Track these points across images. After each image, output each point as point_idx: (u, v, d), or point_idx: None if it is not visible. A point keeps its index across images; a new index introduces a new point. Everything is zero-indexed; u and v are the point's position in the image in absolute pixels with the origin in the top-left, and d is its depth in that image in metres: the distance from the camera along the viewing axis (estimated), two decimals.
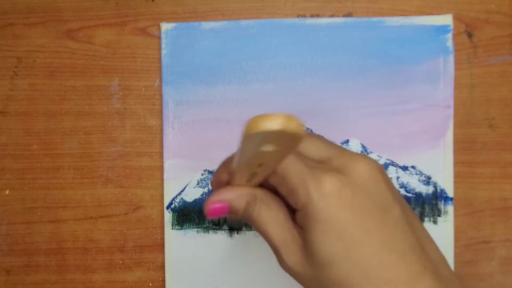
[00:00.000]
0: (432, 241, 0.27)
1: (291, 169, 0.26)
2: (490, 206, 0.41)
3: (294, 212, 0.27)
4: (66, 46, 0.41)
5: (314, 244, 0.25)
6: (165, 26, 0.40)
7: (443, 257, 0.27)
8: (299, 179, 0.25)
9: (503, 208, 0.41)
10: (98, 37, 0.41)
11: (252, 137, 0.20)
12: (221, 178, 0.29)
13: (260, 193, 0.28)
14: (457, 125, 0.41)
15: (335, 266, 0.24)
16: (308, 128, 0.40)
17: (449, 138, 0.40)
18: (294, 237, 0.27)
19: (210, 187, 0.40)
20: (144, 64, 0.41)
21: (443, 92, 0.40)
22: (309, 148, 0.28)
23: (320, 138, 0.29)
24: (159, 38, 0.41)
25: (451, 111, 0.40)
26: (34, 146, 0.41)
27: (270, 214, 0.28)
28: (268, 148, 0.22)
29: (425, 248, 0.26)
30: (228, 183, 0.29)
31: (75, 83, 0.41)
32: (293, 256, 0.27)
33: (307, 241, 0.26)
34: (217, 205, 0.28)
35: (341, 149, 0.28)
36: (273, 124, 0.19)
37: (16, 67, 0.41)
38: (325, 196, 0.25)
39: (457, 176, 0.41)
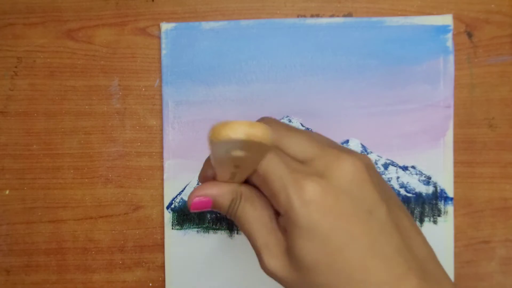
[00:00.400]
0: (420, 237, 0.27)
1: (272, 171, 0.25)
2: (490, 206, 0.41)
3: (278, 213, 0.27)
4: (66, 46, 0.41)
5: (297, 249, 0.24)
6: (165, 26, 0.40)
7: (430, 252, 0.26)
8: (280, 183, 0.25)
9: (503, 208, 0.41)
10: (98, 37, 0.41)
11: (217, 145, 0.19)
12: (207, 173, 0.29)
13: (246, 190, 0.28)
14: (457, 125, 0.41)
15: (319, 271, 0.24)
16: (307, 128, 0.40)
17: (449, 138, 0.40)
18: (277, 240, 0.26)
19: None
20: (144, 64, 0.41)
21: (443, 92, 0.40)
22: (293, 146, 0.27)
23: (305, 135, 0.27)
24: (159, 38, 0.41)
25: (451, 111, 0.40)
26: (34, 146, 0.41)
27: (254, 214, 0.27)
28: (238, 153, 0.21)
29: (412, 246, 0.25)
30: (214, 178, 0.28)
31: (75, 83, 0.41)
32: (274, 259, 0.26)
33: (290, 246, 0.25)
34: (201, 199, 0.28)
35: (325, 148, 0.26)
36: (236, 133, 0.19)
37: (16, 67, 0.41)
38: (307, 203, 0.24)
39: (457, 176, 0.41)
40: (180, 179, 0.40)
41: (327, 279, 0.24)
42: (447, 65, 0.40)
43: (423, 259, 0.25)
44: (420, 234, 0.27)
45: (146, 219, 0.41)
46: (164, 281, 0.41)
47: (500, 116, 0.41)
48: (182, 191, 0.40)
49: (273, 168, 0.25)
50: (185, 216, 0.40)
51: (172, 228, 0.40)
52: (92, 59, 0.41)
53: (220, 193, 0.28)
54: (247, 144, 0.20)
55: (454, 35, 0.41)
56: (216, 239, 0.40)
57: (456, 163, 0.41)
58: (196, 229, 0.40)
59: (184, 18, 0.41)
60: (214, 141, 0.19)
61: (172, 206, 0.40)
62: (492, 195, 0.41)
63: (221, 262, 0.40)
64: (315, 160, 0.26)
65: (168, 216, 0.40)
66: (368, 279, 0.24)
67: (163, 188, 0.41)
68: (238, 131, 0.19)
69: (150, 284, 0.41)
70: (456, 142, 0.41)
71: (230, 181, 0.28)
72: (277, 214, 0.27)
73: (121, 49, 0.41)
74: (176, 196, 0.40)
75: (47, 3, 0.41)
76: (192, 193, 0.28)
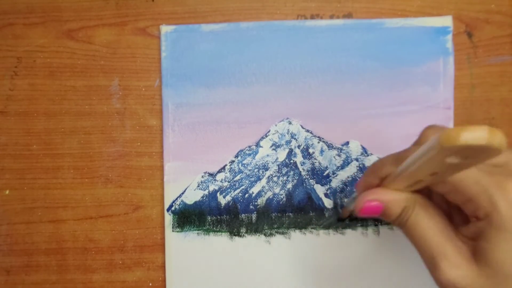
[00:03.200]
0: None
1: (467, 176, 0.24)
2: None
3: (451, 221, 0.26)
4: (66, 46, 0.41)
5: (498, 254, 0.24)
6: (165, 29, 0.40)
7: None
8: (479, 186, 0.24)
9: None
10: (98, 37, 0.41)
11: (446, 149, 0.18)
12: (370, 182, 0.29)
13: (420, 199, 0.27)
14: (457, 125, 0.41)
15: None
16: (307, 130, 0.40)
17: None
18: (457, 248, 0.25)
19: (210, 189, 0.40)
20: (144, 64, 0.41)
21: (443, 93, 0.40)
22: None
23: None
24: (159, 38, 0.41)
25: (451, 113, 0.40)
26: (34, 146, 0.41)
27: (429, 222, 0.26)
28: (454, 160, 0.20)
29: None
30: (377, 187, 0.28)
31: (75, 83, 0.41)
32: (456, 269, 0.25)
33: (486, 251, 0.24)
34: (372, 204, 0.27)
35: None
36: (477, 138, 0.18)
37: (16, 67, 0.41)
38: None
39: None
40: (180, 181, 0.40)
41: None
42: (447, 67, 0.40)
43: None
44: None
45: (146, 219, 0.41)
46: (164, 281, 0.41)
47: (500, 116, 0.41)
48: (183, 193, 0.40)
49: (467, 172, 0.24)
50: (186, 218, 0.40)
51: (173, 231, 0.40)
52: (92, 59, 0.41)
53: (393, 199, 0.27)
54: (480, 150, 0.19)
55: (454, 35, 0.40)
56: (216, 241, 0.40)
57: None
58: (196, 232, 0.40)
59: (184, 18, 0.41)
60: (447, 145, 0.18)
61: (173, 208, 0.40)
62: None
63: (222, 264, 0.40)
64: (510, 163, 0.25)
65: (168, 218, 0.40)
66: None
67: (163, 188, 0.41)
68: (481, 136, 0.18)
69: (150, 284, 0.41)
70: None
71: (403, 189, 0.27)
72: (451, 222, 0.27)
73: (121, 49, 0.41)
74: (177, 199, 0.40)
75: (47, 3, 0.41)
76: (362, 197, 0.28)
